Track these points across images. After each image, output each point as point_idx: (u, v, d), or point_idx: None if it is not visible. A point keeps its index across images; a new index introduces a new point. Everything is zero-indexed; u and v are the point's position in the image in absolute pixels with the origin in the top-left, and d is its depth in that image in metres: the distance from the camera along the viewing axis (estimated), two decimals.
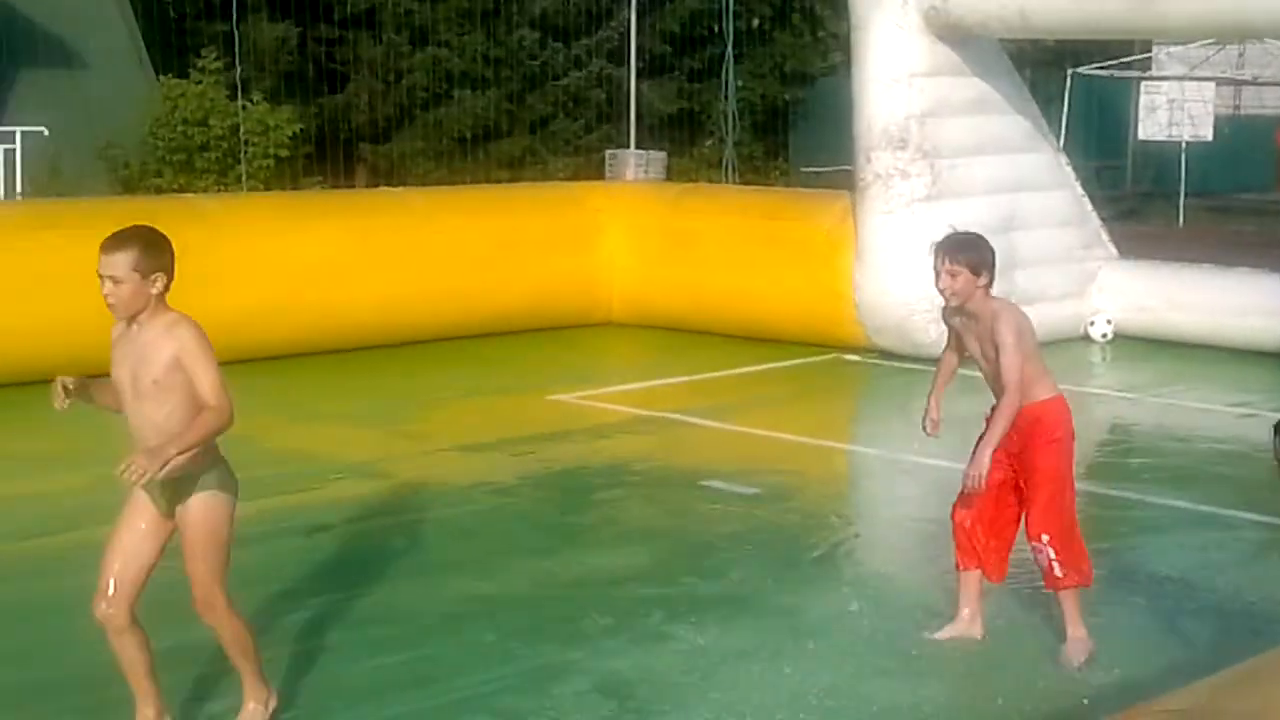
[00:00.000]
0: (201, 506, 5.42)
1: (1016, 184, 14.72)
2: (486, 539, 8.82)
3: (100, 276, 5.32)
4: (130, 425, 5.39)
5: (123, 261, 5.26)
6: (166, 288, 5.33)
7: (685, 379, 13.71)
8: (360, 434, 11.34)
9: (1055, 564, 6.64)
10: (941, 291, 6.60)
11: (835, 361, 14.39)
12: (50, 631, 6.82)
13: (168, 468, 5.02)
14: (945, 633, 6.90)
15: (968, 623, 6.91)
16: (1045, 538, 6.61)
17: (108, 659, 5.58)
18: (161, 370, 5.24)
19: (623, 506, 9.77)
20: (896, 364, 13.50)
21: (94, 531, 8.24)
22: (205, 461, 5.36)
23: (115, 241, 5.33)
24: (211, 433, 5.24)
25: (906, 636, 6.95)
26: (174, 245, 5.40)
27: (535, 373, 13.91)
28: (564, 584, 7.86)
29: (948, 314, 6.81)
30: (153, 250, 5.33)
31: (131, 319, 5.36)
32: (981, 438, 6.58)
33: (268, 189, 23.95)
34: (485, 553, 8.47)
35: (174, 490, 5.35)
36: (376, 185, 25.71)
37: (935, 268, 6.56)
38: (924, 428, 7.05)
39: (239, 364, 12.98)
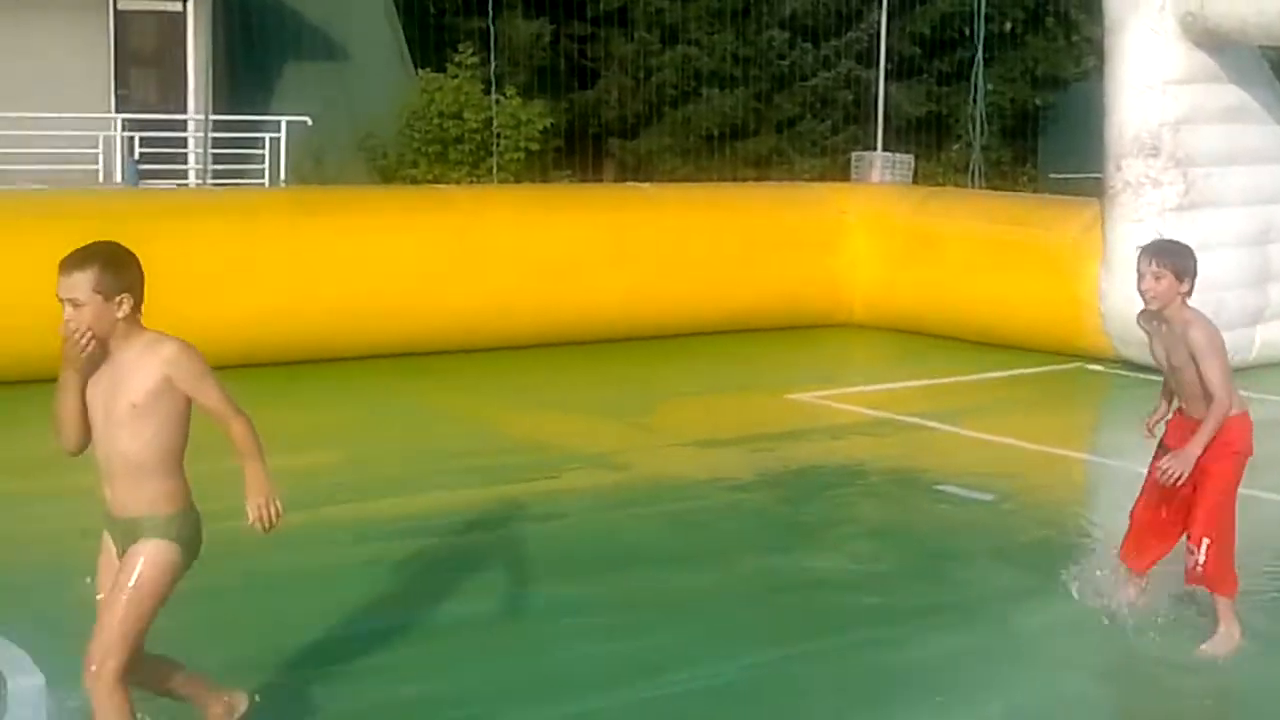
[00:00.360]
0: (152, 549, 4.79)
1: (1274, 195, 14.25)
2: (718, 534, 8.83)
3: (60, 300, 4.69)
4: (98, 456, 4.84)
5: (82, 283, 4.65)
6: (136, 309, 4.74)
7: (925, 382, 13.59)
8: (598, 425, 11.47)
9: (1201, 568, 6.75)
10: (1143, 294, 6.73)
11: (1078, 371, 14.12)
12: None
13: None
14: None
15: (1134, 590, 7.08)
16: (1206, 542, 6.72)
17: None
18: (142, 394, 4.70)
19: (856, 507, 9.72)
20: (1142, 375, 13.16)
21: (333, 510, 8.51)
22: (175, 505, 4.84)
23: (73, 261, 4.69)
24: (259, 443, 4.80)
25: (1133, 648, 6.83)
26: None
27: (775, 371, 13.91)
28: (793, 583, 7.83)
29: (1143, 318, 6.95)
30: (114, 269, 4.71)
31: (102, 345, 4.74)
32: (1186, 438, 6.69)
33: (518, 181, 24.37)
34: (716, 548, 8.48)
35: (130, 529, 4.83)
36: (624, 180, 25.96)
37: (1140, 269, 6.70)
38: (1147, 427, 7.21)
39: (481, 352, 13.32)
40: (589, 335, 14.25)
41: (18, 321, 10.78)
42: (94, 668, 4.70)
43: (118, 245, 4.81)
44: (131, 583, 4.74)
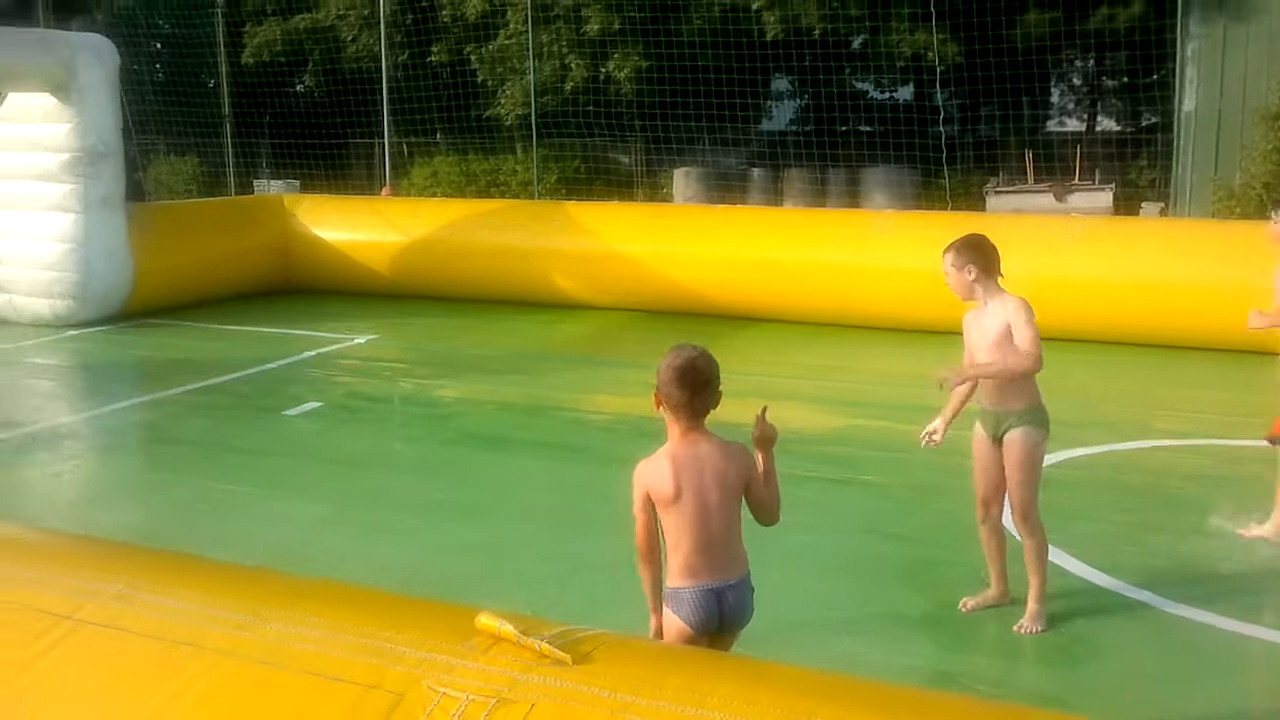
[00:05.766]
0: (1019, 436, 4.71)
1: None
2: None
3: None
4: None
5: (946, 259, 4.74)
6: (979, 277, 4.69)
7: None
8: None
9: None
10: None
11: None
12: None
13: (958, 380, 4.74)
14: None
15: None
16: None
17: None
18: (992, 339, 4.67)
19: None
20: None
21: None
22: (1022, 403, 4.72)
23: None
24: (1007, 371, 4.59)
25: None
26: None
27: None
28: None
29: None
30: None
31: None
32: None
33: None
34: None
35: (996, 421, 4.76)
36: None
37: None
38: None
39: None
40: None
41: None
42: (1022, 523, 4.79)
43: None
44: (1017, 461, 4.73)
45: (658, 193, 18.66)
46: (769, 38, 17.56)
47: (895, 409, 8.02)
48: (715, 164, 19.20)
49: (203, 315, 12.07)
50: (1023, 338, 4.59)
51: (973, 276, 4.70)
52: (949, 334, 5.42)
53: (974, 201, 15.83)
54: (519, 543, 5.68)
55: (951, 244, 4.78)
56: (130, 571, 2.27)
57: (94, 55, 11.52)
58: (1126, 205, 15.69)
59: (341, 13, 20.56)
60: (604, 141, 19.11)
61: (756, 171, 18.58)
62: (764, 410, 3.47)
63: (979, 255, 4.72)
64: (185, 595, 2.12)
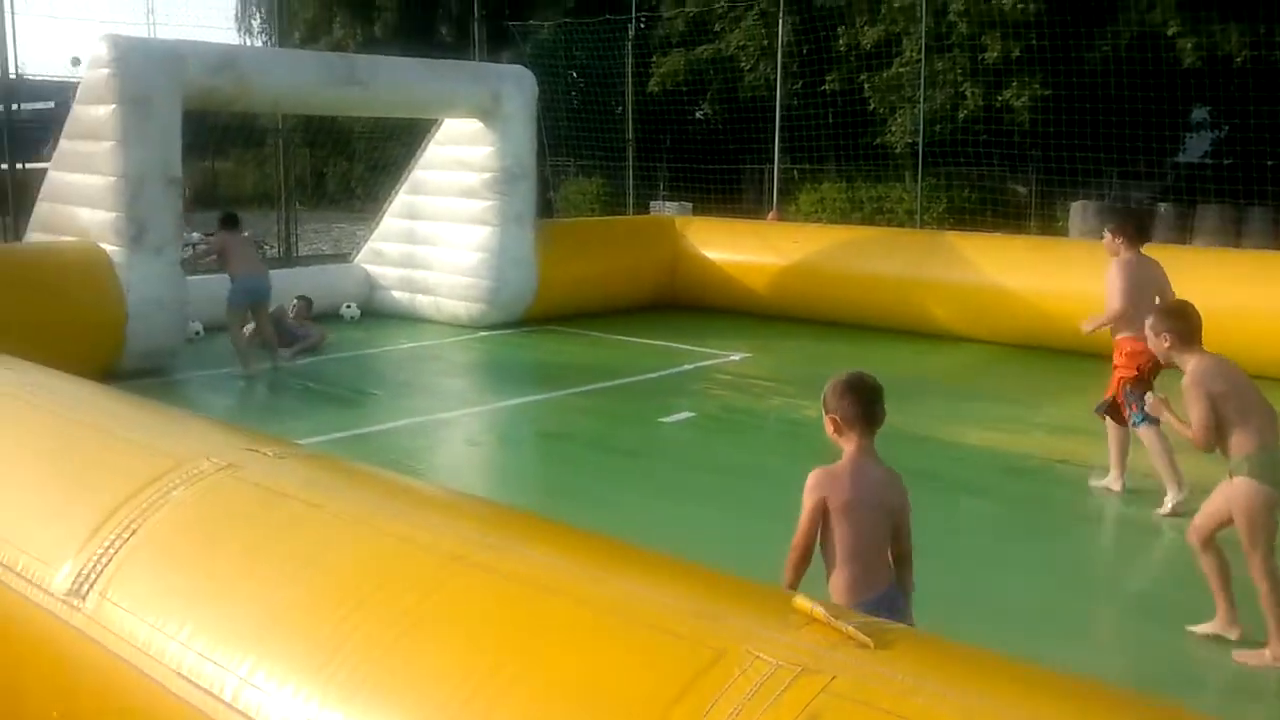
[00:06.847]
0: (1236, 484, 4.66)
1: None
2: None
3: None
4: None
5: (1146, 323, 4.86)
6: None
7: None
8: None
9: None
10: None
11: None
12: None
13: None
14: None
15: None
16: None
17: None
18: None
19: None
20: None
21: None
22: (1234, 451, 4.66)
23: None
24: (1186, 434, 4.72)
25: None
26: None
27: None
28: None
29: None
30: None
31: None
32: None
33: None
34: None
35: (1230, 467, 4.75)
36: None
37: None
38: None
39: None
40: None
41: None
42: (1191, 535, 4.85)
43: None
44: (1230, 501, 4.71)
45: (1052, 226, 18.10)
46: (1185, 65, 16.69)
47: None
48: (1118, 198, 18.39)
49: (595, 324, 13.01)
50: (1192, 418, 4.69)
51: (1168, 344, 4.77)
52: None
53: None
54: None
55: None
56: (507, 526, 2.67)
57: (516, 85, 12.73)
58: None
59: (742, 43, 21.40)
60: (998, 171, 18.76)
61: (1164, 207, 17.63)
62: None
63: (1179, 322, 4.78)
64: (551, 551, 2.48)
